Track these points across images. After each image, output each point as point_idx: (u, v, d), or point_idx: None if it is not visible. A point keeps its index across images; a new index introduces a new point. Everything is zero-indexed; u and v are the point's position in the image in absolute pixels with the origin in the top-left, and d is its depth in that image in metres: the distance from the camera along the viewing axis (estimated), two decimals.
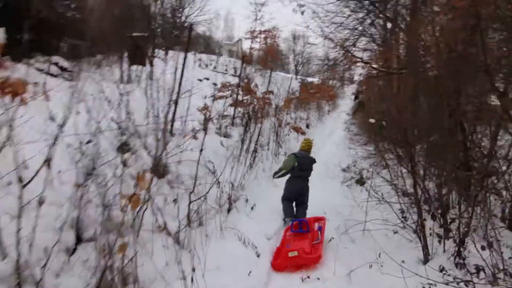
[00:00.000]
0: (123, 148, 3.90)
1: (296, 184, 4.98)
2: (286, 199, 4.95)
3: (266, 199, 5.52)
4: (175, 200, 3.60)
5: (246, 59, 7.34)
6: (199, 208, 3.83)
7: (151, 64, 9.99)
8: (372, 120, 4.40)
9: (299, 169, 4.95)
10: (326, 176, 7.44)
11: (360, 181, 4.20)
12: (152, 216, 3.11)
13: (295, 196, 4.96)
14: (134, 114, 4.20)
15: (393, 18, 9.40)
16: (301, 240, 3.98)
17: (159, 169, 3.91)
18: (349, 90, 32.82)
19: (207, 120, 6.11)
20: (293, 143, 9.28)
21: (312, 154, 5.38)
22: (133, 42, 10.64)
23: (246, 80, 7.86)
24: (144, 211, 2.85)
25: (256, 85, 7.94)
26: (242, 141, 5.17)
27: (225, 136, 6.49)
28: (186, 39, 6.43)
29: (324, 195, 6.22)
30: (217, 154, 5.66)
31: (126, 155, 3.76)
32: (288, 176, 5.12)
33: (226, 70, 20.69)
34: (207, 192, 3.90)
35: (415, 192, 3.67)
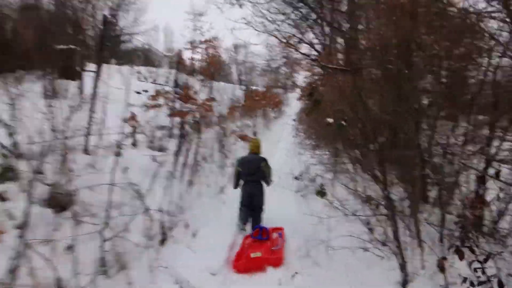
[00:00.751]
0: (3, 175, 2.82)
1: (245, 189, 4.72)
2: (241, 205, 4.72)
3: (213, 221, 4.67)
4: (70, 247, 2.56)
5: (181, 62, 6.45)
6: (117, 247, 2.87)
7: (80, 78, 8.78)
8: (330, 120, 3.90)
9: (243, 173, 4.71)
10: (278, 185, 6.77)
11: (321, 193, 3.55)
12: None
13: (247, 200, 4.67)
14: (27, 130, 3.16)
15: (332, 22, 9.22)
16: (261, 246, 3.78)
17: (57, 200, 2.89)
18: (293, 96, 33.36)
19: (134, 132, 5.14)
20: (241, 153, 8.54)
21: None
22: (61, 56, 9.43)
23: (184, 87, 7.00)
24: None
25: (196, 92, 7.12)
26: (177, 154, 4.27)
27: (160, 150, 5.53)
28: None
29: (279, 208, 5.52)
30: (149, 173, 4.69)
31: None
32: None
33: (166, 82, 19.46)
34: (128, 224, 2.96)
35: (387, 199, 3.08)
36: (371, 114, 3.47)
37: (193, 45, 24.07)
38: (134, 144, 5.22)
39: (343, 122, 3.51)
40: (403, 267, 3.00)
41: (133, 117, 5.15)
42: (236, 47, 42.20)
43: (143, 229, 3.35)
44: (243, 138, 8.07)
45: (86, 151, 4.24)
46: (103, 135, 4.38)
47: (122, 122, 5.13)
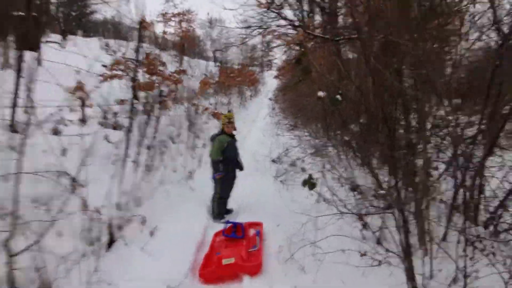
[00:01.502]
0: None
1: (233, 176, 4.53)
2: (225, 198, 4.47)
3: (177, 213, 3.94)
4: None
5: (145, 27, 5.47)
6: (38, 259, 2.09)
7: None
8: (321, 93, 3.27)
9: (230, 157, 4.42)
10: (255, 169, 6.12)
11: (310, 183, 2.89)
12: None
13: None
14: None
15: None
16: (235, 247, 3.16)
17: None
18: (270, 75, 32.53)
19: (83, 105, 4.24)
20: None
21: (237, 144, 4.65)
22: (19, 23, 8.20)
23: (147, 56, 6.04)
24: None
25: (163, 64, 6.19)
26: (128, 132, 3.43)
27: (115, 128, 4.65)
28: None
29: (256, 197, 4.87)
30: (100, 156, 3.86)
31: None
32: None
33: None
34: (51, 226, 2.17)
35: (396, 190, 2.45)
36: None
37: (165, 18, 22.58)
38: (82, 120, 4.32)
39: (338, 96, 2.81)
40: (410, 274, 2.42)
41: (80, 87, 4.22)
42: (211, 21, 40.59)
43: (81, 231, 2.56)
44: (217, 116, 7.24)
45: (12, 127, 3.33)
46: (36, 108, 3.47)
47: (67, 93, 4.24)
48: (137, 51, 5.04)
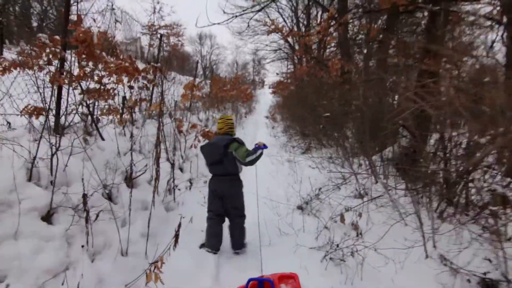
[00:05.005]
0: None
1: (212, 185, 3.16)
2: (210, 215, 3.18)
3: None
4: None
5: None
6: None
7: None
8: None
9: (208, 163, 3.19)
10: (278, 234, 3.76)
11: None
12: None
13: (217, 204, 3.13)
14: None
15: None
16: None
17: None
18: (262, 92, 30.54)
19: None
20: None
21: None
22: None
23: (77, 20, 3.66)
24: None
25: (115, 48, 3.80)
26: None
27: None
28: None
29: None
30: None
31: None
32: None
33: None
34: None
35: None
36: None
37: (151, 30, 20.46)
38: None
39: None
40: None
41: None
42: (201, 38, 38.79)
43: None
44: (208, 136, 4.83)
45: None
46: None
47: None
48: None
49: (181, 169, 4.27)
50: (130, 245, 2.59)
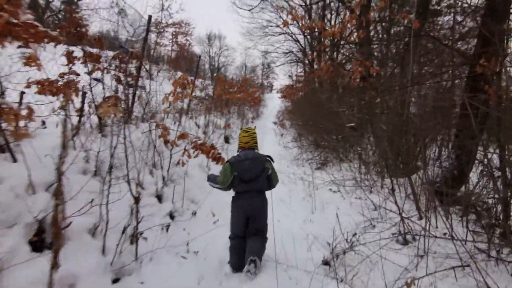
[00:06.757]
0: None
1: (242, 204, 2.95)
2: (234, 235, 2.99)
3: None
4: None
5: None
6: None
7: None
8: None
9: (240, 180, 2.91)
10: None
11: None
12: None
13: (243, 222, 2.93)
14: None
15: None
16: None
17: None
18: (270, 97, 29.32)
19: None
20: (199, 188, 4.04)
21: None
22: None
23: None
24: None
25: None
26: None
27: None
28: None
29: None
30: None
31: None
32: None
33: None
34: None
35: None
36: None
37: (159, 27, 19.41)
38: None
39: None
40: None
41: None
42: (209, 38, 37.79)
43: None
44: (206, 151, 3.52)
45: None
46: None
47: None
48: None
49: (159, 198, 3.03)
50: None
